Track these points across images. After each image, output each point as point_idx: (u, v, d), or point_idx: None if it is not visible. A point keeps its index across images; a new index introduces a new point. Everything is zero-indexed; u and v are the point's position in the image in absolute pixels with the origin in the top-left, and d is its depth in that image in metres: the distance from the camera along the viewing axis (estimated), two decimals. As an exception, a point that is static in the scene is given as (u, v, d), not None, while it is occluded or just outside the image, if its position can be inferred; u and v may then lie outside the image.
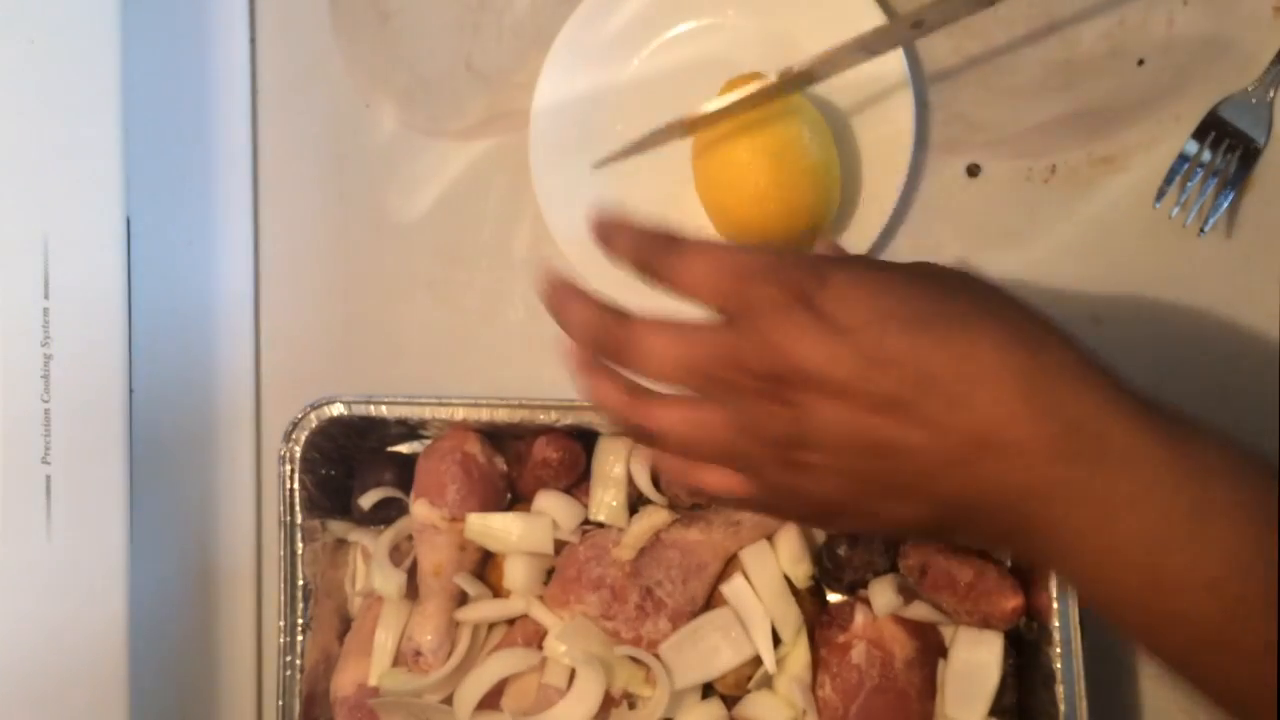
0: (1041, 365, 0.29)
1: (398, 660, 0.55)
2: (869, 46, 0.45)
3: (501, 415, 0.54)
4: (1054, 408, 0.29)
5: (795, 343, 0.30)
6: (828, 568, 0.52)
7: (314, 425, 0.55)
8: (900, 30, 0.45)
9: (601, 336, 0.34)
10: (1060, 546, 0.30)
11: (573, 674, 0.52)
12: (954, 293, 0.31)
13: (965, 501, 0.30)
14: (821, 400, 0.30)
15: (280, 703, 0.56)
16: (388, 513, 0.57)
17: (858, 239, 0.53)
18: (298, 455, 0.56)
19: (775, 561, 0.52)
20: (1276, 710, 0.27)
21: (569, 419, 0.53)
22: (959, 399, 0.29)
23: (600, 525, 0.54)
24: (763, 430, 0.31)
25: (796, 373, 0.30)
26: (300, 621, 0.56)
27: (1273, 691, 0.27)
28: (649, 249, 0.34)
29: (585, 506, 0.54)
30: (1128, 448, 0.29)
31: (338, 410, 0.55)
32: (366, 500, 0.57)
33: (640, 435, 0.35)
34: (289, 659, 0.56)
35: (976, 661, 0.48)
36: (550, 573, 0.54)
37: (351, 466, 0.59)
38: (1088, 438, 0.29)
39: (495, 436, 0.56)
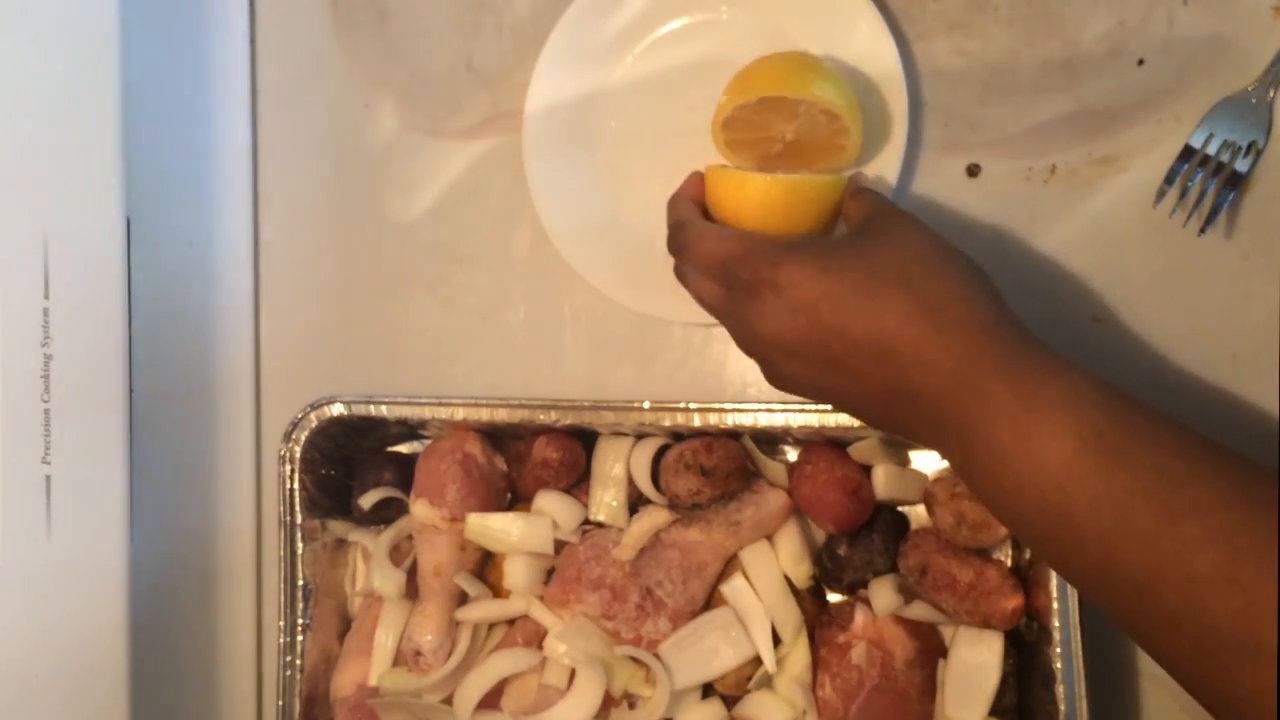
0: (936, 325, 0.39)
1: (398, 660, 0.55)
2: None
3: (501, 415, 0.54)
4: (943, 356, 0.38)
5: (757, 318, 0.43)
6: (828, 568, 0.52)
7: (314, 425, 0.56)
8: None
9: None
10: (966, 441, 0.38)
11: (573, 674, 0.52)
12: (880, 269, 0.40)
13: (892, 395, 0.40)
14: (782, 359, 0.43)
15: (280, 703, 0.56)
16: (388, 513, 0.57)
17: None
18: (298, 455, 0.56)
19: (775, 561, 0.52)
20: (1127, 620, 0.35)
21: (569, 419, 0.53)
22: (875, 357, 0.39)
23: (600, 525, 0.54)
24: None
25: (759, 340, 0.43)
26: (300, 621, 0.56)
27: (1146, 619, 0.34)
28: (671, 235, 0.48)
29: (585, 506, 0.54)
30: (987, 380, 0.38)
31: (338, 410, 0.55)
32: (366, 500, 0.57)
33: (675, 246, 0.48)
34: (289, 659, 0.56)
35: (977, 661, 0.48)
36: (550, 573, 0.54)
37: (351, 466, 0.59)
38: (961, 371, 0.38)
39: (495, 436, 0.56)
